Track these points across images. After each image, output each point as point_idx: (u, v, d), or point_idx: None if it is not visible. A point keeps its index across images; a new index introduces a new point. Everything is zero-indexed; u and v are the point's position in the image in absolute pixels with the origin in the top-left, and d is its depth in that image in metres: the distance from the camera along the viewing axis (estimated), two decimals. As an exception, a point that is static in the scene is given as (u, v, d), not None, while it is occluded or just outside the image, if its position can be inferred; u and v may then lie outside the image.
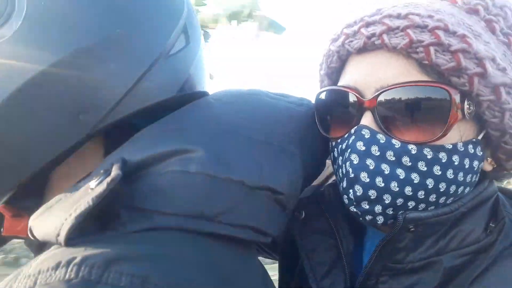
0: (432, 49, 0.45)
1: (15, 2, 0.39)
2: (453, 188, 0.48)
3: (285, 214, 0.47)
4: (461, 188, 0.49)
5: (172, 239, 0.36)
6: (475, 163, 0.50)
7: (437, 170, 0.47)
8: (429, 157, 0.47)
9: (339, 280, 0.54)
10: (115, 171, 0.35)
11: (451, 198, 0.50)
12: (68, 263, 0.30)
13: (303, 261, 0.57)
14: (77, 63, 0.40)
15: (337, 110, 0.53)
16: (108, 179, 0.34)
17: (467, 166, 0.48)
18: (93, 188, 0.35)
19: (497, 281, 0.47)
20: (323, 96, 0.56)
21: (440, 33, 0.46)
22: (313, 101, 0.57)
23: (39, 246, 0.47)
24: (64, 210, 0.35)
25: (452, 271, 0.48)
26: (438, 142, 0.47)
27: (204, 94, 0.54)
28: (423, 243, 0.49)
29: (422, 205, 0.48)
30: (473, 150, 0.49)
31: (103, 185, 0.34)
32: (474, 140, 0.49)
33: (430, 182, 0.47)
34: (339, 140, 0.52)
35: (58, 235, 0.33)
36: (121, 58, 0.43)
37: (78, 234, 0.33)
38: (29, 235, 0.38)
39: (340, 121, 0.53)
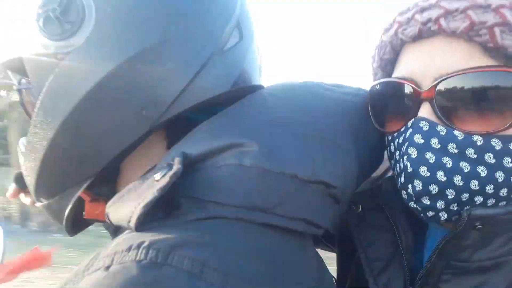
0: (497, 30, 0.42)
1: (85, 11, 0.44)
2: None
3: (339, 207, 0.47)
4: None
5: (228, 228, 0.38)
6: None
7: (507, 162, 0.43)
8: (497, 148, 0.43)
9: (397, 276, 0.52)
10: (176, 165, 0.38)
11: None
12: (138, 246, 0.34)
13: (360, 255, 0.56)
14: (140, 63, 0.44)
15: (393, 103, 0.51)
16: (171, 172, 0.37)
17: None
18: (158, 180, 0.38)
19: None
20: (376, 89, 0.53)
21: (506, 11, 0.42)
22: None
23: (114, 230, 0.53)
24: (134, 200, 0.39)
25: None
26: (508, 132, 0.43)
27: (258, 87, 0.54)
28: (492, 241, 0.45)
29: (492, 200, 0.45)
30: None
31: (166, 178, 0.37)
32: None
33: (500, 176, 0.44)
34: (395, 134, 0.50)
35: (129, 221, 0.37)
36: (178, 56, 0.46)
37: (145, 221, 0.37)
38: (106, 219, 0.43)
39: (396, 115, 0.50)
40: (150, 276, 0.31)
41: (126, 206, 0.39)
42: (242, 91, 0.51)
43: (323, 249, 0.73)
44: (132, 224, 0.36)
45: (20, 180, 0.64)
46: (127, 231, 0.39)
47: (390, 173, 0.61)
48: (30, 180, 0.53)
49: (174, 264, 0.32)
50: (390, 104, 0.52)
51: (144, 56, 0.44)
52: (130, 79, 0.44)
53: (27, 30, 0.46)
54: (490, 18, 0.42)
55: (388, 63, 0.54)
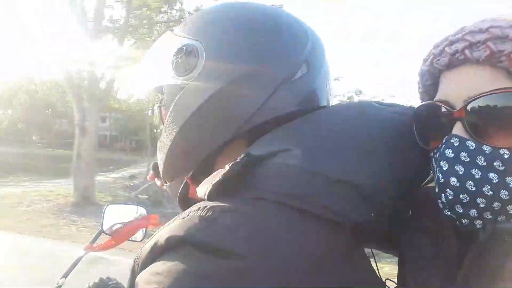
0: None
1: (199, 57, 0.66)
2: None
3: (372, 207, 0.55)
4: None
5: (266, 206, 0.52)
6: None
7: None
8: None
9: (435, 278, 0.56)
10: (237, 160, 0.55)
11: None
12: (203, 208, 0.52)
13: (405, 258, 0.61)
14: (229, 89, 0.64)
15: (433, 124, 0.58)
16: (230, 164, 0.54)
17: None
18: (225, 168, 0.56)
19: None
20: (419, 111, 0.61)
21: None
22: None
23: None
24: (210, 182, 0.58)
25: None
26: None
27: (321, 108, 0.69)
28: None
29: None
30: None
31: (228, 167, 0.54)
32: None
33: None
34: (435, 151, 0.57)
35: (205, 194, 0.56)
36: (256, 84, 0.64)
37: (212, 195, 0.55)
38: (197, 195, 0.63)
39: (435, 133, 0.57)
40: (205, 226, 0.49)
41: (206, 185, 0.58)
42: (303, 111, 0.66)
43: (384, 252, 0.78)
44: (205, 196, 0.55)
45: (155, 168, 0.91)
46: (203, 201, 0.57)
47: None
48: (160, 168, 0.78)
49: (221, 220, 0.49)
50: (430, 124, 0.59)
51: (233, 84, 0.64)
52: (222, 101, 0.64)
53: (165, 68, 0.71)
54: (508, 47, 0.48)
55: (431, 88, 0.62)
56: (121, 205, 1.29)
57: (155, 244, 0.52)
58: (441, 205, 0.53)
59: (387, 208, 0.59)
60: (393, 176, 0.57)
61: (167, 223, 0.55)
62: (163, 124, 0.79)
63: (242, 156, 0.56)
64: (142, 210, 1.26)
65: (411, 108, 0.65)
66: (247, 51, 0.65)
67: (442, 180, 0.51)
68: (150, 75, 0.76)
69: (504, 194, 0.47)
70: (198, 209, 0.52)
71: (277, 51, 0.66)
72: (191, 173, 0.71)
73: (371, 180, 0.55)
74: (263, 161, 0.57)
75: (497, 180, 0.48)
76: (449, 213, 0.52)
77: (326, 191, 0.53)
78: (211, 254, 0.46)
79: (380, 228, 0.59)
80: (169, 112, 0.70)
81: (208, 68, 0.65)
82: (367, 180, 0.55)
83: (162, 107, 0.77)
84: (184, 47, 0.68)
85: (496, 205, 0.48)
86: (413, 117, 0.62)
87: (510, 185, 0.47)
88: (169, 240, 0.50)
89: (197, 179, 0.72)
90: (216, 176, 0.56)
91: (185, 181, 0.72)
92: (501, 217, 0.48)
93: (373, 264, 0.63)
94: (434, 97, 0.61)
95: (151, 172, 0.93)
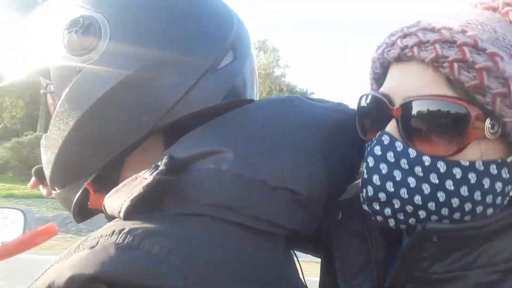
0: (456, 65, 0.46)
1: (101, 32, 0.52)
2: (468, 206, 0.48)
3: (307, 212, 0.52)
4: (480, 207, 0.48)
5: (200, 223, 0.44)
6: (499, 184, 0.48)
7: (449, 185, 0.48)
8: (442, 170, 0.48)
9: (366, 283, 0.56)
10: (161, 166, 0.45)
11: (469, 216, 0.49)
12: (119, 232, 0.41)
13: (335, 260, 0.60)
14: (142, 76, 0.52)
15: (372, 115, 0.56)
16: (155, 172, 0.44)
17: (486, 186, 0.48)
18: (146, 178, 0.45)
19: None
20: (363, 100, 0.58)
21: (466, 49, 0.46)
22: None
23: (110, 219, 0.61)
24: (125, 194, 0.46)
25: (480, 287, 0.48)
26: (454, 158, 0.47)
27: (249, 101, 0.62)
28: (449, 256, 0.49)
29: (435, 217, 0.49)
30: (496, 171, 0.48)
31: (151, 177, 0.44)
32: (499, 161, 0.48)
33: (441, 196, 0.48)
34: (368, 143, 0.55)
35: (119, 212, 0.45)
36: (175, 72, 0.54)
37: (131, 212, 0.44)
38: (104, 210, 0.51)
39: (373, 126, 0.55)
40: (123, 256, 0.38)
41: (118, 199, 0.46)
42: (231, 104, 0.58)
43: (311, 254, 0.77)
44: (121, 214, 0.44)
45: (39, 173, 0.73)
46: (115, 219, 0.46)
47: None
48: (47, 171, 0.61)
49: (145, 248, 0.39)
50: (370, 115, 0.56)
51: (146, 71, 0.52)
52: (133, 90, 0.52)
53: (54, 45, 0.55)
54: (452, 54, 0.46)
55: (380, 77, 0.59)
56: None
57: (50, 287, 0.39)
58: (361, 200, 0.53)
59: (320, 212, 0.56)
60: (329, 177, 0.54)
61: (64, 254, 0.42)
62: (51, 116, 0.63)
63: (164, 160, 0.46)
64: (18, 215, 1.08)
65: (342, 104, 0.63)
66: (165, 32, 0.54)
67: (366, 176, 0.51)
68: (30, 53, 0.59)
69: (417, 199, 0.48)
70: (112, 234, 0.41)
71: (201, 35, 0.56)
72: (91, 178, 0.57)
73: (308, 184, 0.51)
74: (189, 165, 0.48)
75: (414, 185, 0.48)
76: (367, 208, 0.52)
77: (264, 201, 0.48)
78: None
79: (309, 232, 0.56)
80: (59, 102, 0.55)
81: (113, 49, 0.52)
82: (304, 185, 0.51)
83: (48, 95, 0.61)
84: (81, 19, 0.53)
85: (409, 208, 0.49)
86: (357, 105, 0.59)
87: (425, 192, 0.48)
88: (72, 280, 0.38)
89: (100, 186, 0.59)
90: (132, 186, 0.46)
91: (83, 187, 0.58)
92: (411, 219, 0.49)
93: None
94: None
95: (32, 179, 0.74)
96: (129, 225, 0.42)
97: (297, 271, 0.56)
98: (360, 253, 0.59)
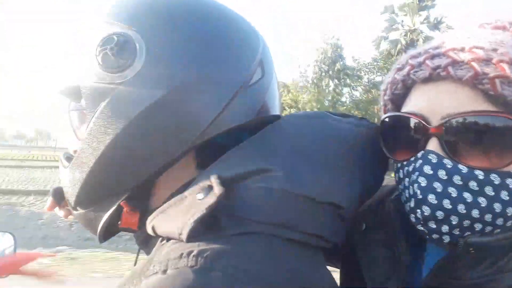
0: (497, 81, 0.48)
1: (137, 50, 0.52)
2: None
3: (344, 225, 0.53)
4: None
5: (259, 241, 0.44)
6: None
7: (504, 195, 0.49)
8: (496, 182, 0.49)
9: None
10: (218, 187, 0.44)
11: None
12: (188, 254, 0.40)
13: (362, 270, 0.61)
14: (180, 95, 0.52)
15: (403, 135, 0.56)
16: (217, 193, 0.43)
17: None
18: (201, 199, 0.45)
19: None
20: (389, 120, 0.60)
21: (505, 66, 0.48)
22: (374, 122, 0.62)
23: (144, 240, 0.59)
24: (181, 215, 0.45)
25: None
26: (506, 169, 0.49)
27: (277, 117, 0.62)
28: (482, 263, 0.51)
29: (489, 228, 0.50)
30: None
31: (213, 198, 0.43)
32: None
33: (497, 207, 0.49)
34: (405, 163, 0.56)
35: (180, 234, 0.43)
36: (212, 90, 0.54)
37: (195, 234, 0.43)
38: (151, 231, 0.49)
39: (406, 145, 0.56)
40: (201, 279, 0.38)
41: (174, 220, 0.45)
42: (264, 120, 0.58)
43: (329, 264, 0.78)
44: (184, 236, 0.43)
45: (57, 194, 0.71)
46: (172, 241, 0.45)
47: (394, 195, 0.67)
48: (72, 191, 0.60)
49: (220, 269, 0.39)
50: (400, 135, 0.57)
51: (184, 89, 0.52)
52: (170, 108, 0.52)
53: (86, 63, 0.54)
54: (491, 71, 0.48)
55: (399, 98, 0.61)
56: None
57: None
58: (414, 220, 0.53)
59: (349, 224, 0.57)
60: (362, 191, 0.55)
61: (125, 282, 0.41)
62: (76, 132, 0.62)
63: (212, 179, 0.46)
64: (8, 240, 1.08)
65: (364, 119, 0.64)
66: (200, 50, 0.54)
67: (420, 197, 0.51)
68: (60, 71, 0.58)
69: (475, 213, 0.49)
70: (181, 257, 0.40)
71: (234, 53, 0.57)
72: (124, 196, 0.56)
73: (349, 199, 0.52)
74: (239, 184, 0.48)
75: (471, 200, 0.49)
76: (422, 228, 0.52)
77: (313, 217, 0.48)
78: None
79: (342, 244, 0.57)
80: (92, 119, 0.54)
81: (149, 67, 0.52)
82: (346, 199, 0.52)
83: (75, 113, 0.60)
84: (115, 37, 0.53)
85: (466, 222, 0.50)
86: (380, 126, 0.61)
87: (482, 205, 0.49)
88: None
89: (133, 204, 0.58)
90: (186, 208, 0.45)
91: (115, 206, 0.57)
92: (467, 233, 0.50)
93: None
94: (400, 107, 0.60)
95: (50, 200, 0.72)
96: (194, 247, 0.41)
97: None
98: (387, 262, 0.60)
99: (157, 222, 0.48)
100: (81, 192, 0.58)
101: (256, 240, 0.44)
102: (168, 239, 0.46)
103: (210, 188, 0.45)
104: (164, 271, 0.40)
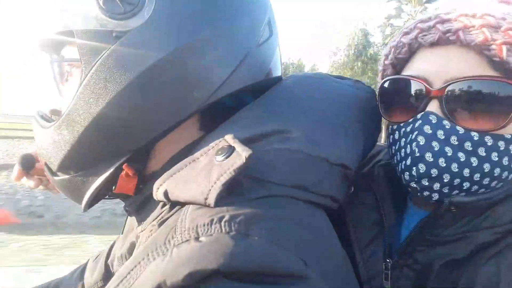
0: (504, 47, 0.50)
1: None
2: (505, 174, 0.54)
3: (348, 185, 0.54)
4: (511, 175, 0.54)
5: (284, 204, 0.43)
6: None
7: (494, 156, 0.52)
8: (489, 144, 0.52)
9: (379, 249, 0.61)
10: (243, 147, 0.41)
11: (501, 183, 0.55)
12: (220, 220, 0.38)
13: (349, 230, 0.63)
14: (194, 49, 0.48)
15: (403, 97, 0.58)
16: (244, 153, 0.40)
17: None
18: (222, 161, 0.41)
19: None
20: (389, 83, 0.61)
21: None
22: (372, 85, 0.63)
23: (138, 206, 0.55)
24: (201, 178, 0.42)
25: (483, 245, 0.53)
26: (499, 132, 0.52)
27: (279, 78, 0.61)
28: (459, 221, 0.54)
29: (475, 187, 0.54)
30: None
31: (241, 159, 0.40)
32: None
33: (487, 167, 0.52)
34: (402, 124, 0.58)
35: (206, 198, 0.40)
36: (226, 46, 0.50)
37: (222, 198, 0.40)
38: (161, 197, 0.45)
39: (405, 107, 0.58)
40: (239, 245, 0.36)
41: (195, 184, 0.42)
42: (268, 82, 0.56)
43: None
44: (211, 200, 0.39)
45: (25, 163, 0.63)
46: (192, 207, 0.41)
47: (382, 161, 0.69)
48: (56, 154, 0.53)
49: (256, 234, 0.37)
50: (400, 97, 0.58)
51: (197, 45, 0.48)
52: (183, 64, 0.47)
53: (83, 6, 0.47)
54: (500, 37, 0.50)
55: (401, 62, 0.62)
56: None
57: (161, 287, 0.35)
58: (407, 177, 0.55)
59: None
60: (363, 152, 0.56)
61: (150, 249, 0.38)
62: (60, 88, 0.54)
63: (231, 139, 0.43)
64: None
65: (360, 82, 0.65)
66: (215, 6, 0.50)
67: (418, 154, 0.53)
68: (50, 15, 0.49)
69: (466, 172, 0.52)
70: (212, 223, 0.37)
71: (246, 10, 0.53)
72: (124, 159, 0.51)
73: (355, 160, 0.53)
74: (253, 144, 0.46)
75: (464, 159, 0.52)
76: (415, 185, 0.54)
77: (327, 178, 0.48)
78: (264, 283, 0.35)
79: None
80: (90, 72, 0.47)
81: (161, 15, 0.47)
82: (353, 161, 0.52)
83: (61, 66, 0.52)
84: None
85: (456, 181, 0.53)
86: (379, 89, 0.61)
87: (473, 165, 0.52)
88: (191, 277, 0.34)
89: (132, 168, 0.53)
90: (209, 171, 0.42)
91: (112, 170, 0.51)
92: (455, 191, 0.54)
93: None
94: (400, 72, 0.62)
95: (17, 169, 0.63)
96: (224, 211, 0.39)
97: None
98: (373, 223, 0.62)
99: (170, 187, 0.44)
100: (70, 155, 0.52)
101: (281, 203, 0.43)
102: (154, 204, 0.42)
103: (230, 148, 0.42)
104: (196, 238, 0.37)
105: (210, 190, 0.40)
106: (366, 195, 0.65)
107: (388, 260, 0.59)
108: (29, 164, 0.61)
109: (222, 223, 0.37)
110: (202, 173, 0.42)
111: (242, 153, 0.41)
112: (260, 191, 0.42)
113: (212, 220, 0.38)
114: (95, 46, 0.47)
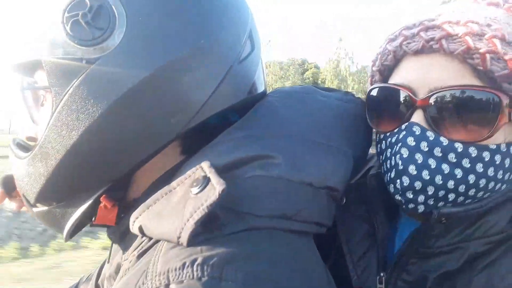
0: (488, 56, 0.49)
1: (116, 18, 0.43)
2: (491, 184, 0.52)
3: (334, 206, 0.52)
4: (499, 185, 0.53)
5: (263, 238, 0.41)
6: None
7: (479, 167, 0.51)
8: (473, 155, 0.51)
9: (373, 261, 0.59)
10: (218, 179, 0.39)
11: (488, 193, 0.53)
12: (192, 263, 0.35)
13: (342, 244, 0.61)
14: (169, 72, 0.45)
15: (389, 106, 0.56)
16: (218, 187, 0.38)
17: (507, 166, 0.52)
18: (197, 194, 0.39)
19: (507, 267, 0.51)
20: (375, 91, 0.59)
21: (497, 42, 0.49)
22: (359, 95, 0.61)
23: (121, 236, 0.52)
24: (175, 214, 0.39)
25: (476, 255, 0.52)
26: (484, 142, 0.50)
27: (263, 94, 0.58)
28: (451, 231, 0.53)
29: (461, 198, 0.52)
30: None
31: (215, 195, 0.37)
32: None
33: (471, 178, 0.51)
34: (388, 134, 0.56)
35: (179, 237, 0.38)
36: (204, 66, 0.48)
37: (196, 236, 0.38)
38: (136, 231, 0.43)
39: (391, 117, 0.56)
40: None
41: (168, 220, 0.39)
42: (254, 98, 0.54)
43: None
44: (184, 240, 0.37)
45: (7, 184, 0.60)
46: (167, 245, 0.39)
47: (373, 170, 0.67)
48: (33, 186, 0.50)
49: (230, 278, 0.35)
50: (386, 106, 0.57)
51: (174, 66, 0.45)
52: (160, 88, 0.45)
53: (49, 34, 0.44)
54: (483, 46, 0.49)
55: (387, 69, 0.60)
56: None
57: None
58: (392, 190, 0.53)
59: None
60: (352, 169, 0.54)
61: None
62: (33, 115, 0.52)
63: (207, 168, 0.40)
64: None
65: (350, 94, 0.63)
66: (192, 22, 0.47)
67: (401, 167, 0.52)
68: (17, 43, 0.46)
69: (450, 184, 0.51)
70: (183, 267, 0.35)
71: (227, 25, 0.50)
72: (102, 190, 0.48)
73: (342, 180, 0.50)
74: (233, 172, 0.43)
75: (448, 171, 0.51)
76: (399, 198, 0.53)
77: (312, 204, 0.46)
78: None
79: None
80: (62, 102, 0.45)
81: (132, 40, 0.44)
82: (340, 181, 0.49)
83: (36, 91, 0.49)
84: (88, 1, 0.43)
85: (441, 193, 0.51)
86: (367, 97, 0.59)
87: (458, 176, 0.51)
88: None
89: (111, 199, 0.51)
90: (178, 204, 0.39)
91: (91, 202, 0.49)
92: (440, 203, 0.52)
93: None
94: (387, 79, 0.59)
95: None
96: (197, 253, 0.36)
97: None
98: (366, 234, 0.61)
99: (145, 222, 0.42)
100: (46, 188, 0.49)
101: (259, 237, 0.40)
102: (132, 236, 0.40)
103: (205, 179, 0.40)
104: (167, 286, 0.35)
105: (183, 228, 0.37)
106: (360, 207, 0.63)
107: (382, 274, 0.57)
108: (11, 185, 0.58)
109: (195, 267, 0.35)
110: (177, 207, 0.40)
111: (216, 187, 0.38)
112: (238, 225, 0.40)
113: (184, 264, 0.35)
114: (64, 75, 0.44)
